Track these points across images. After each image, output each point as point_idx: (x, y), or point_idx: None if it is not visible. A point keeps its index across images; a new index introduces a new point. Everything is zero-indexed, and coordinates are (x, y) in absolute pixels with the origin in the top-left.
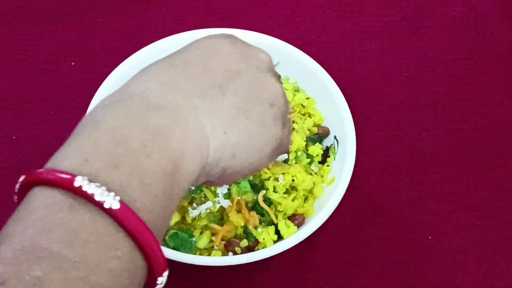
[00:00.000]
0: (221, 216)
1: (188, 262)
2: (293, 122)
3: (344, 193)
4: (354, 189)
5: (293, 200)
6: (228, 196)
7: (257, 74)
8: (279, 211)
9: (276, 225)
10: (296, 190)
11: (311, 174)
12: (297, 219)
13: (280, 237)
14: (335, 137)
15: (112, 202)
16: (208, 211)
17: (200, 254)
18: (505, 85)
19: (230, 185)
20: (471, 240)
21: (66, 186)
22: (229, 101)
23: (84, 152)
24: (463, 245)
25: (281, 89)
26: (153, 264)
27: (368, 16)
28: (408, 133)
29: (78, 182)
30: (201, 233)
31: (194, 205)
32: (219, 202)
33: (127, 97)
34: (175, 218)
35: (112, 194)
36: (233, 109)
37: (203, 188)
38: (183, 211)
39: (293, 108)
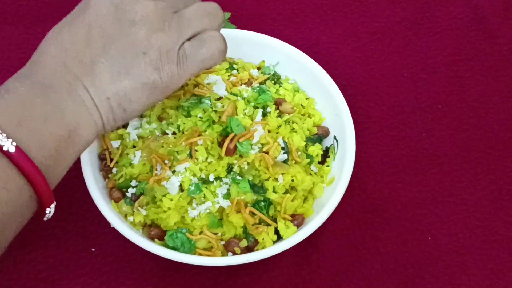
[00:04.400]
0: (220, 217)
1: (187, 262)
2: (293, 122)
3: (343, 193)
4: (354, 190)
5: (292, 200)
6: (227, 196)
7: (129, 30)
8: (278, 211)
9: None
10: (296, 190)
11: (310, 174)
12: (296, 219)
13: (279, 238)
14: (334, 138)
15: (9, 146)
16: (208, 211)
17: (200, 254)
18: (506, 86)
19: (229, 186)
20: (471, 241)
21: None
22: (109, 68)
23: None
24: (463, 245)
25: (149, 34)
26: (41, 197)
27: (369, 17)
28: (408, 134)
29: None
30: (200, 233)
31: (194, 205)
32: (218, 203)
33: (34, 73)
34: (175, 218)
35: (10, 140)
36: (113, 74)
37: (203, 189)
38: (182, 211)
39: (293, 108)
